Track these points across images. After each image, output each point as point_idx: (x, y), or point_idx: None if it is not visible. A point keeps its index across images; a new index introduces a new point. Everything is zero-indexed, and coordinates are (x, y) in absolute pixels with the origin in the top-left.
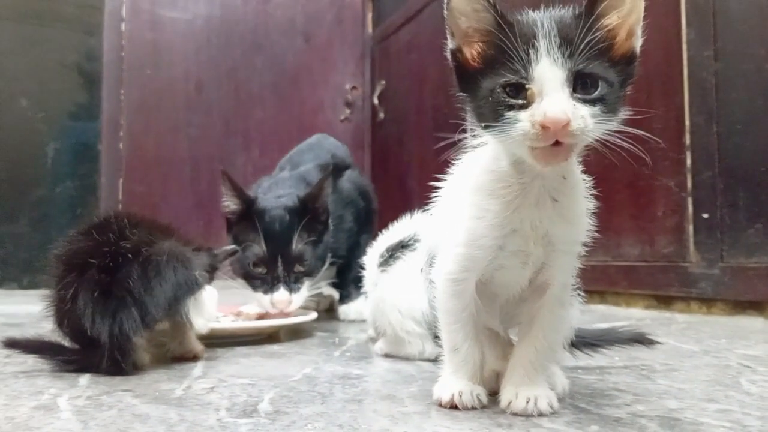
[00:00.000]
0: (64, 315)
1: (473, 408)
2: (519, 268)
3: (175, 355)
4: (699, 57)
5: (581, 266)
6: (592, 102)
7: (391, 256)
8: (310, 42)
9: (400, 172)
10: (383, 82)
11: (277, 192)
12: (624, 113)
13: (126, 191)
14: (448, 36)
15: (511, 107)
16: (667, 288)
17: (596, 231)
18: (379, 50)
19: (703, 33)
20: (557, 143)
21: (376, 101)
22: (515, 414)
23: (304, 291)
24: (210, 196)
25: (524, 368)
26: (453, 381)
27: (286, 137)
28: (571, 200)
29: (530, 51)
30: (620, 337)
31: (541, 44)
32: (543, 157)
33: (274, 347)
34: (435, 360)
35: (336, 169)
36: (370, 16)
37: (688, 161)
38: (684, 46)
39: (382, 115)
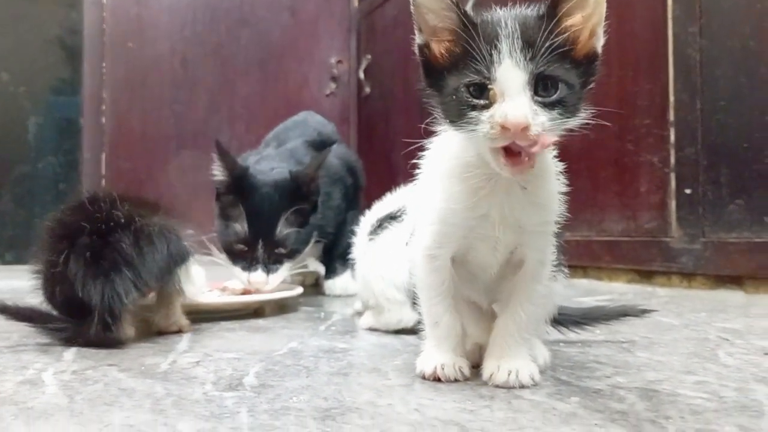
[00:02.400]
0: (54, 282)
1: (456, 380)
2: (490, 250)
3: (160, 327)
4: (684, 34)
5: (564, 241)
6: (552, 104)
7: (379, 226)
8: (297, 16)
9: (385, 148)
10: (369, 57)
11: (269, 165)
12: (585, 112)
13: (111, 167)
14: (416, 31)
15: (474, 107)
16: (649, 263)
17: (580, 207)
18: (365, 24)
19: (689, 10)
20: (516, 154)
21: (361, 76)
22: (497, 386)
23: (283, 271)
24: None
25: (505, 341)
26: (435, 354)
27: (272, 113)
28: (541, 186)
29: (493, 52)
30: (612, 311)
31: (504, 46)
32: (509, 171)
33: (260, 322)
34: (417, 333)
35: (323, 146)
36: None
37: (672, 137)
38: (669, 23)
39: (368, 90)
